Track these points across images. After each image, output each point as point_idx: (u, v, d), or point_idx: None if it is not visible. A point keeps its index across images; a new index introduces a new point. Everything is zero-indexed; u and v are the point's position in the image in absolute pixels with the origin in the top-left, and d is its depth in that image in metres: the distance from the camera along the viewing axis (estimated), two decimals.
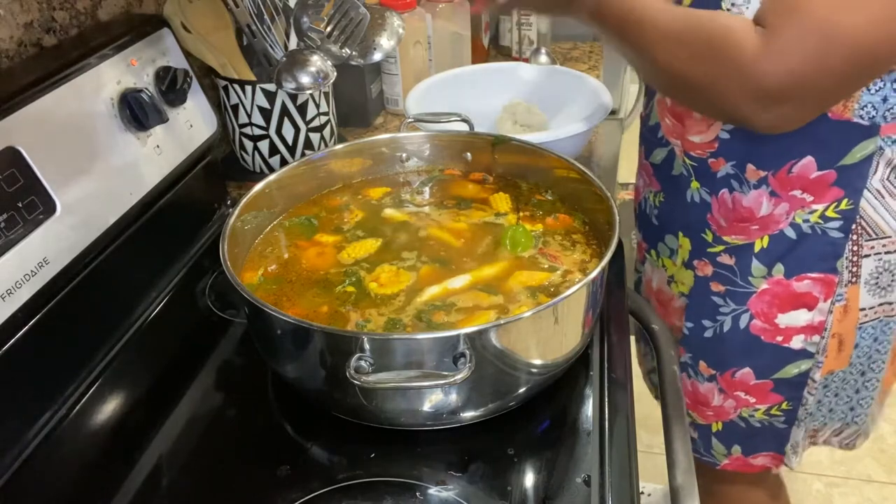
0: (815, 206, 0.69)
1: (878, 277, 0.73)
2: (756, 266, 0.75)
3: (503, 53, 1.45)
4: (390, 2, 1.09)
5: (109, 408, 0.65)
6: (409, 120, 0.85)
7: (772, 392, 0.80)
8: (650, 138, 0.82)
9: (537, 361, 0.59)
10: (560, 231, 0.73)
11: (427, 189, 0.82)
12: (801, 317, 0.75)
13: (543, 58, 1.11)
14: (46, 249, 0.61)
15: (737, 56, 0.57)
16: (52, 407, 0.64)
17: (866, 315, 0.75)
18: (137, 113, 0.72)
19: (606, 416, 0.61)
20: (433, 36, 1.19)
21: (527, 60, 1.16)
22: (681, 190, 0.78)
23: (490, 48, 1.43)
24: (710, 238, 0.77)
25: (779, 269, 0.74)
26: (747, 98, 0.59)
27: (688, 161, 0.75)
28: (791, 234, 0.72)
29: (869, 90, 0.63)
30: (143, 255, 0.76)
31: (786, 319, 0.76)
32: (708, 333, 0.81)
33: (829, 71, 0.56)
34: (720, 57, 0.58)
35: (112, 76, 0.71)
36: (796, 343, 0.77)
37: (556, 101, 1.04)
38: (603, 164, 1.04)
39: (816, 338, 0.76)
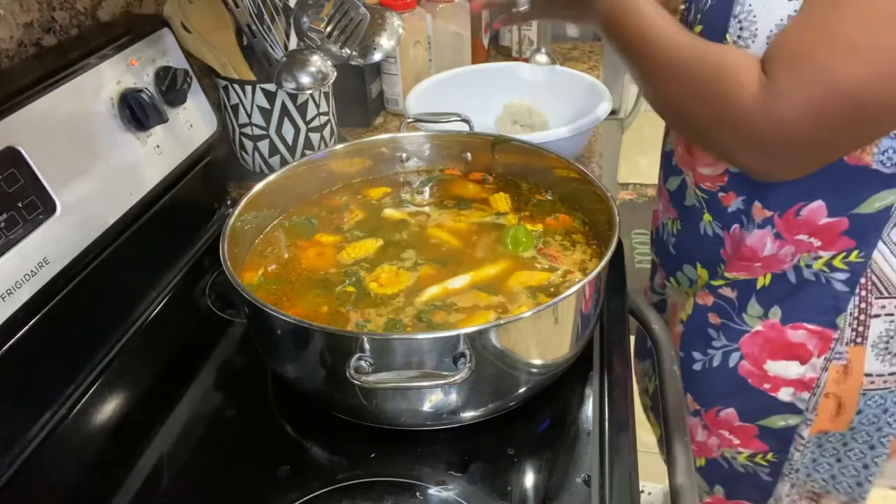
0: (821, 253, 0.65)
1: (888, 342, 0.68)
2: (753, 305, 0.71)
3: (503, 53, 1.45)
4: (390, 2, 1.09)
5: (110, 408, 0.65)
6: (409, 120, 0.85)
7: (756, 438, 0.77)
8: (666, 164, 0.80)
9: (537, 361, 0.59)
10: (560, 231, 0.73)
11: (427, 189, 0.82)
12: (791, 369, 0.71)
13: (543, 58, 1.11)
14: (46, 249, 0.61)
15: (737, 101, 0.55)
16: (52, 407, 0.64)
17: (873, 382, 0.70)
18: (137, 113, 0.72)
19: (606, 416, 0.61)
20: (433, 36, 1.19)
21: (527, 60, 1.16)
22: (694, 221, 0.74)
23: (490, 48, 1.43)
24: (720, 272, 0.73)
25: (775, 312, 0.70)
26: (745, 145, 0.56)
27: (699, 193, 0.72)
28: (792, 277, 0.68)
29: (891, 135, 0.58)
30: (143, 255, 0.76)
31: (775, 368, 0.72)
32: (697, 366, 0.79)
33: (829, 125, 0.53)
34: (721, 100, 0.56)
35: (112, 76, 0.71)
36: (784, 395, 0.73)
37: (556, 101, 1.04)
38: (603, 164, 1.04)
39: (806, 394, 0.72)
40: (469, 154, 0.82)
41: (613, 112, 1.08)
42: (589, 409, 0.62)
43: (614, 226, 0.63)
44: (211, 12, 0.89)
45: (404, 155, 0.83)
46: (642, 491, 1.45)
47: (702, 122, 0.59)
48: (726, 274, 0.72)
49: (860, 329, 0.67)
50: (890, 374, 0.69)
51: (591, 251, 0.70)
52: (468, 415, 0.58)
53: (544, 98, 1.05)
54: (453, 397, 0.56)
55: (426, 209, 0.78)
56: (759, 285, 0.70)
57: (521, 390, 0.60)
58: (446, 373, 0.50)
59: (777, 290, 0.69)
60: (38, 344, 0.62)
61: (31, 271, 0.60)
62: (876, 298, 0.66)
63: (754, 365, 0.73)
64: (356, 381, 0.49)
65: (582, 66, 1.36)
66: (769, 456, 0.78)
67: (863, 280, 0.65)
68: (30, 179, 0.61)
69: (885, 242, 0.63)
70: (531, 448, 0.59)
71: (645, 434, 0.79)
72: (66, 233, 0.64)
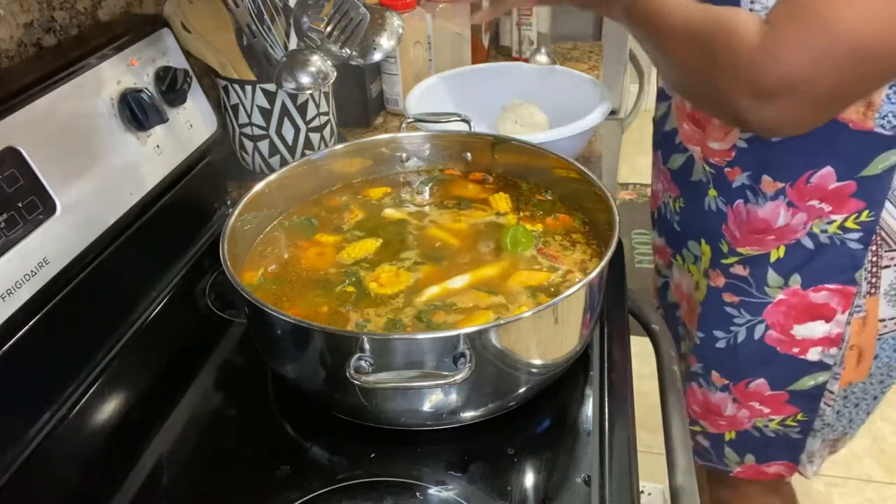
0: (833, 217, 0.68)
1: None
2: (772, 276, 0.74)
3: (503, 53, 1.45)
4: (390, 2, 1.09)
5: (110, 408, 0.65)
6: (409, 120, 0.85)
7: (787, 403, 0.80)
8: (667, 143, 0.81)
9: (537, 361, 0.59)
10: (560, 231, 0.73)
11: (427, 189, 0.82)
12: (818, 328, 0.74)
13: (543, 58, 1.11)
14: (46, 249, 0.61)
15: (736, 49, 0.55)
16: (52, 407, 0.64)
17: (886, 326, 0.74)
18: (137, 113, 0.72)
19: (606, 416, 0.61)
20: (433, 36, 1.19)
21: (527, 60, 1.16)
22: (699, 197, 0.77)
23: (490, 48, 1.43)
24: (724, 249, 0.76)
25: (795, 279, 0.73)
26: (743, 93, 0.56)
27: (707, 168, 0.75)
28: (809, 244, 0.71)
29: (890, 99, 0.61)
30: (143, 255, 0.76)
31: (802, 331, 0.75)
32: (720, 344, 0.80)
33: (830, 71, 0.53)
34: (720, 50, 0.57)
35: (112, 76, 0.71)
36: (813, 355, 0.76)
37: (556, 101, 1.04)
38: (603, 163, 1.04)
39: (834, 350, 0.75)
40: (469, 154, 0.82)
41: (613, 112, 1.08)
42: (589, 409, 0.62)
43: (614, 226, 0.63)
44: (211, 12, 0.89)
45: (404, 155, 0.83)
46: (642, 491, 1.45)
47: (703, 76, 0.60)
48: (738, 249, 0.74)
49: (873, 281, 0.71)
50: None
51: (591, 251, 0.70)
52: (468, 415, 0.58)
53: (544, 98, 1.05)
54: (453, 397, 0.56)
55: (426, 209, 0.78)
56: (772, 258, 0.73)
57: (522, 390, 0.60)
58: (446, 373, 0.50)
59: (793, 259, 0.72)
60: (38, 344, 0.62)
61: (31, 271, 0.60)
62: (886, 251, 0.69)
63: (781, 332, 0.76)
64: (356, 381, 0.49)
65: (582, 66, 1.36)
66: (799, 416, 0.81)
67: (874, 237, 0.68)
68: (30, 179, 0.61)
69: (890, 201, 0.67)
70: (531, 448, 0.59)
71: (645, 434, 0.79)
72: (66, 233, 0.64)
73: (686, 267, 0.85)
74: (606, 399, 0.63)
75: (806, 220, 0.69)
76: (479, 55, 1.33)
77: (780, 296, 0.74)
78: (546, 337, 0.58)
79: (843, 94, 0.59)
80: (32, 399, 0.62)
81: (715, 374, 0.83)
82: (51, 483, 0.58)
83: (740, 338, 0.79)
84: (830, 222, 0.69)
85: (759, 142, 0.68)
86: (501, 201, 0.77)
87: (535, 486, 0.56)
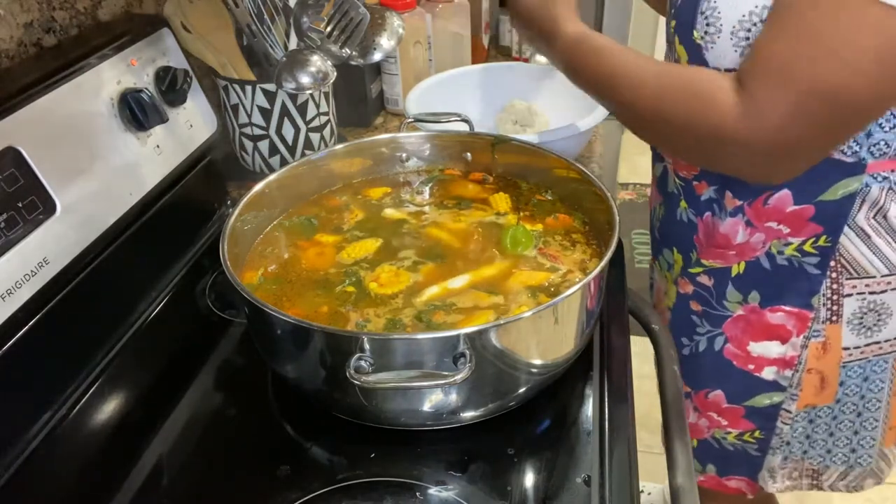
0: (791, 239, 0.68)
1: (862, 318, 0.71)
2: (731, 291, 0.74)
3: (503, 53, 1.45)
4: (390, 2, 1.09)
5: (110, 408, 0.65)
6: (409, 120, 0.85)
7: (743, 418, 0.80)
8: (653, 150, 0.83)
9: (537, 361, 0.59)
10: (560, 231, 0.73)
11: (427, 189, 0.82)
12: (773, 348, 0.75)
13: (543, 58, 1.11)
14: (46, 249, 0.61)
15: (719, 120, 0.56)
16: (52, 407, 0.64)
17: (851, 354, 0.74)
18: (137, 113, 0.72)
19: (606, 416, 0.61)
20: (433, 36, 1.19)
21: (527, 60, 1.16)
22: (673, 207, 0.78)
23: (490, 48, 1.43)
24: (693, 258, 0.77)
25: (754, 296, 0.73)
26: (736, 159, 0.58)
27: (677, 180, 0.76)
28: (766, 263, 0.71)
29: None
30: (143, 255, 0.76)
31: (758, 349, 0.75)
32: (685, 351, 0.82)
33: (814, 125, 0.54)
34: (701, 123, 0.57)
35: (112, 76, 0.71)
36: (768, 374, 0.76)
37: (555, 100, 1.04)
38: (603, 163, 1.04)
39: (789, 372, 0.75)
40: (469, 154, 0.82)
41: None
42: (589, 409, 0.62)
43: (614, 226, 0.63)
44: (211, 12, 0.89)
45: (404, 155, 0.83)
46: (642, 491, 1.45)
47: (688, 145, 0.62)
48: (702, 261, 0.76)
49: (834, 308, 0.71)
50: (866, 346, 0.73)
51: (591, 251, 0.70)
52: (468, 415, 0.58)
53: (544, 98, 1.05)
54: (453, 397, 0.56)
55: (426, 209, 0.78)
56: (733, 273, 0.74)
57: (521, 390, 0.60)
58: (446, 373, 0.50)
59: (752, 276, 0.73)
60: (38, 344, 0.62)
61: (31, 271, 0.60)
62: (846, 279, 0.69)
63: (738, 347, 0.77)
64: (356, 382, 0.49)
65: None
66: (756, 433, 0.81)
67: (832, 263, 0.68)
68: (30, 179, 0.61)
69: (850, 227, 0.66)
70: (531, 448, 0.59)
71: (645, 434, 0.79)
72: (66, 233, 0.64)
73: (662, 273, 0.87)
74: (606, 399, 0.63)
75: (765, 240, 0.70)
76: (479, 55, 1.33)
77: (739, 311, 0.75)
78: (546, 337, 0.58)
79: (834, 141, 0.59)
80: (32, 399, 0.62)
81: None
82: (51, 483, 0.58)
83: (701, 347, 0.80)
84: (788, 244, 0.69)
85: None
86: (501, 201, 0.77)
87: (535, 486, 0.56)
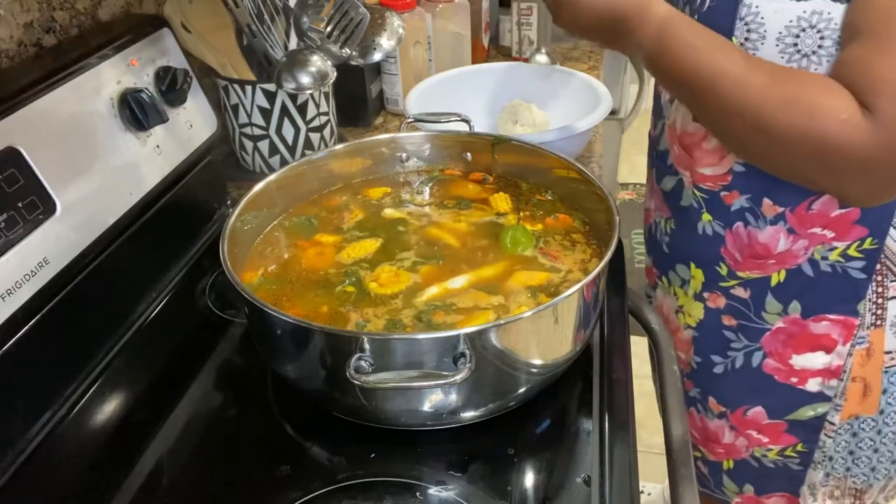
0: (835, 244, 0.66)
1: None
2: (771, 302, 0.71)
3: (503, 53, 1.45)
4: (390, 2, 1.09)
5: (110, 408, 0.65)
6: (409, 120, 0.85)
7: (786, 433, 0.77)
8: (660, 164, 0.79)
9: (537, 361, 0.59)
10: (560, 231, 0.73)
11: (427, 189, 0.82)
12: (817, 359, 0.72)
13: (543, 58, 1.11)
14: (46, 249, 0.61)
15: (846, 145, 0.54)
16: (52, 407, 0.64)
17: (893, 359, 0.71)
18: (137, 113, 0.72)
19: (606, 416, 0.61)
20: (433, 36, 1.19)
21: (527, 60, 1.16)
22: (692, 221, 0.74)
23: (490, 48, 1.43)
24: (724, 272, 0.73)
25: (795, 307, 0.70)
26: (858, 182, 0.57)
27: (698, 193, 0.72)
28: (809, 270, 0.68)
29: None
30: (144, 255, 0.76)
31: (801, 361, 0.72)
32: (718, 369, 0.78)
33: None
34: (824, 148, 0.55)
35: (112, 76, 0.71)
36: (812, 386, 0.73)
37: (556, 101, 1.04)
38: (603, 163, 1.04)
39: (834, 382, 0.72)
40: (469, 154, 0.82)
41: (613, 112, 1.08)
42: (589, 409, 0.62)
43: (614, 226, 0.63)
44: (211, 12, 0.89)
45: (404, 155, 0.83)
46: (642, 491, 1.45)
47: (793, 161, 0.58)
48: (739, 273, 0.72)
49: (879, 312, 0.68)
50: None
51: (591, 251, 0.70)
52: (468, 415, 0.58)
53: (544, 98, 1.05)
54: (453, 397, 0.56)
55: (426, 209, 0.78)
56: (773, 282, 0.70)
57: (522, 390, 0.60)
58: (446, 373, 0.50)
59: (794, 284, 0.70)
60: (38, 344, 0.62)
61: (31, 271, 0.60)
62: (891, 282, 0.67)
63: (780, 361, 0.74)
64: (356, 382, 0.49)
65: (582, 66, 1.36)
66: (799, 447, 0.78)
67: (878, 266, 0.66)
68: (30, 179, 0.61)
69: (895, 227, 0.64)
70: (531, 448, 0.59)
71: (645, 433, 0.79)
72: (66, 233, 0.64)
73: (671, 290, 0.83)
74: (606, 399, 0.63)
75: (807, 246, 0.67)
76: (479, 55, 1.33)
77: (780, 323, 0.72)
78: (546, 337, 0.58)
79: None
80: (32, 399, 0.62)
81: (712, 401, 0.80)
82: (51, 483, 0.58)
83: (738, 363, 0.76)
84: (832, 249, 0.66)
85: (756, 167, 0.66)
86: (501, 201, 0.77)
87: (536, 486, 0.56)
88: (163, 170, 0.78)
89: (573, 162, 0.73)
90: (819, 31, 0.58)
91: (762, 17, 0.59)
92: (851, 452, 0.77)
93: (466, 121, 0.82)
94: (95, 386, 0.67)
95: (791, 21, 0.57)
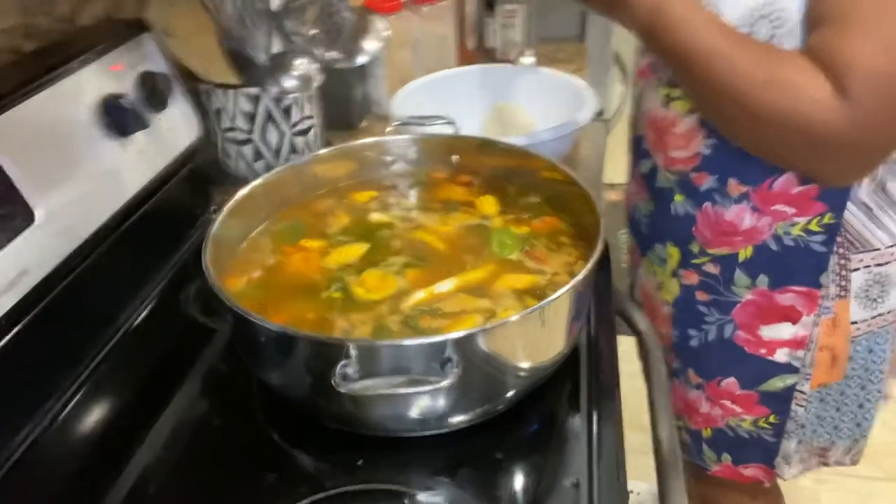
0: (796, 220, 0.69)
1: (867, 290, 0.72)
2: (740, 276, 0.74)
3: (488, 55, 1.45)
4: (375, 4, 1.08)
5: (93, 418, 0.64)
6: (395, 123, 0.84)
7: (758, 404, 0.80)
8: (637, 148, 0.82)
9: (525, 365, 0.59)
10: (546, 233, 0.73)
11: (413, 192, 0.81)
12: (784, 330, 0.75)
13: (529, 59, 1.11)
14: (26, 259, 0.60)
15: (818, 124, 0.56)
16: (34, 418, 0.63)
17: (859, 328, 0.75)
18: (119, 119, 0.71)
19: (595, 418, 0.61)
20: (418, 38, 1.19)
21: (512, 62, 1.16)
22: (666, 202, 0.78)
23: (475, 50, 1.43)
24: (696, 249, 0.77)
25: (762, 280, 0.74)
26: (832, 161, 0.60)
27: (670, 175, 0.76)
28: (773, 245, 0.71)
29: None
30: (126, 263, 0.75)
31: (769, 332, 0.76)
32: (693, 342, 0.82)
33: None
34: (798, 126, 0.57)
35: (92, 82, 0.70)
36: (780, 356, 0.77)
37: (541, 102, 1.04)
38: (589, 165, 1.04)
39: (801, 352, 0.76)
40: (455, 157, 0.82)
41: (599, 113, 1.08)
42: (577, 411, 0.62)
43: (599, 228, 0.63)
44: (193, 16, 0.88)
45: (390, 158, 0.83)
46: (631, 491, 1.45)
47: (781, 147, 0.61)
48: (708, 250, 0.75)
49: (843, 283, 0.72)
50: (872, 318, 0.74)
51: (577, 253, 0.70)
52: (456, 420, 0.58)
53: (530, 100, 1.05)
54: (441, 403, 0.56)
55: (412, 213, 0.78)
56: (741, 258, 0.74)
57: (509, 394, 0.60)
58: (433, 378, 0.50)
59: (760, 259, 0.73)
60: (20, 355, 0.61)
61: (11, 282, 0.59)
62: (853, 254, 0.70)
63: (749, 332, 0.77)
64: (342, 389, 0.49)
65: (567, 67, 1.36)
66: (771, 418, 0.81)
67: (839, 239, 0.69)
68: (6, 188, 0.60)
69: (853, 202, 0.68)
70: (520, 452, 0.58)
71: (632, 433, 0.79)
72: (45, 242, 0.63)
73: (652, 269, 0.86)
74: (594, 401, 0.63)
75: (771, 223, 0.70)
76: (464, 57, 1.33)
77: (748, 296, 0.75)
78: (533, 340, 0.58)
79: None
80: (14, 410, 0.61)
81: (691, 372, 0.84)
82: (34, 494, 0.57)
83: (711, 336, 0.80)
84: (793, 224, 0.69)
85: (722, 148, 0.69)
86: (488, 204, 0.77)
87: (524, 491, 0.56)
88: (145, 176, 0.77)
89: (559, 164, 0.73)
90: (771, 21, 0.60)
91: (719, 9, 0.61)
92: (818, 416, 0.81)
93: (452, 123, 0.82)
94: (79, 395, 0.66)
95: (745, 12, 0.60)
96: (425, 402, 0.55)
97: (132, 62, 0.76)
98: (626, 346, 0.76)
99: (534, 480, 0.56)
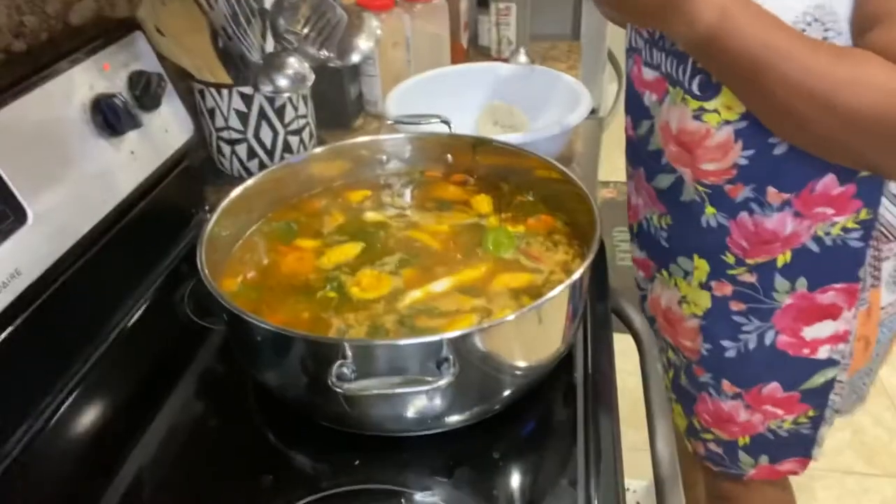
0: (836, 219, 0.69)
1: (893, 274, 0.74)
2: (779, 281, 0.74)
3: (482, 53, 1.45)
4: (368, 2, 1.08)
5: (87, 420, 0.64)
6: (389, 122, 0.84)
7: (799, 402, 0.81)
8: (651, 163, 0.79)
9: (521, 364, 0.59)
10: (542, 232, 0.73)
11: (408, 191, 0.81)
12: (826, 328, 0.75)
13: (522, 58, 1.11)
14: (18, 260, 0.60)
15: None
16: (27, 420, 0.62)
17: (886, 312, 0.76)
18: (111, 118, 0.71)
19: (591, 416, 0.61)
20: (412, 37, 1.19)
21: (506, 60, 1.16)
22: (693, 215, 0.76)
23: (469, 48, 1.43)
24: (731, 260, 0.75)
25: (802, 282, 0.73)
26: None
27: (700, 188, 0.73)
28: (814, 247, 0.71)
29: None
30: (120, 263, 0.75)
31: (812, 332, 0.76)
32: (730, 353, 0.81)
33: None
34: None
35: (84, 81, 0.70)
36: (822, 353, 0.77)
37: (535, 100, 1.04)
38: (583, 163, 1.04)
39: (842, 346, 0.76)
40: (450, 156, 0.82)
41: (593, 111, 1.08)
42: (574, 409, 0.62)
43: (596, 226, 0.63)
44: (185, 15, 0.87)
45: (384, 157, 0.82)
46: (627, 489, 1.46)
47: (860, 143, 0.59)
48: (747, 260, 0.75)
49: (876, 274, 0.72)
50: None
51: (573, 251, 0.69)
52: (453, 419, 0.58)
53: (524, 98, 1.05)
54: (437, 402, 0.55)
55: (407, 212, 0.77)
56: (779, 263, 0.73)
57: (506, 393, 0.60)
58: (430, 378, 0.50)
59: (799, 262, 0.72)
60: (13, 356, 0.60)
61: (3, 283, 0.58)
62: (885, 244, 0.71)
63: (792, 335, 0.77)
64: (338, 389, 0.49)
65: (561, 65, 1.37)
66: (810, 412, 0.82)
67: (874, 232, 0.70)
68: (0, 188, 0.59)
69: (886, 196, 0.68)
70: (517, 451, 0.58)
71: (628, 431, 0.79)
72: (38, 242, 0.62)
73: (672, 281, 0.84)
74: (591, 400, 0.63)
75: (810, 225, 0.70)
76: (457, 56, 1.33)
77: (788, 300, 0.75)
78: (530, 339, 0.58)
79: None
80: (7, 412, 0.61)
81: (726, 383, 0.83)
82: (27, 498, 0.57)
83: (751, 345, 0.79)
84: (833, 224, 0.69)
85: (761, 158, 0.68)
86: (483, 203, 0.77)
87: (522, 490, 0.56)
88: (138, 176, 0.76)
89: (554, 162, 0.73)
90: (823, 24, 0.59)
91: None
92: (845, 397, 0.82)
93: (447, 122, 0.82)
94: (73, 397, 0.65)
95: (797, 17, 0.58)
96: (422, 401, 0.55)
97: (124, 61, 0.76)
98: (623, 345, 0.75)
99: (531, 479, 0.56)
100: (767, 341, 0.78)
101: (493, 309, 0.62)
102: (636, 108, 0.80)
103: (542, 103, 1.03)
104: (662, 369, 0.73)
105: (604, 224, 0.63)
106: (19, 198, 0.61)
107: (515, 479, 0.56)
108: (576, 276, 0.57)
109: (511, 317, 0.54)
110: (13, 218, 0.60)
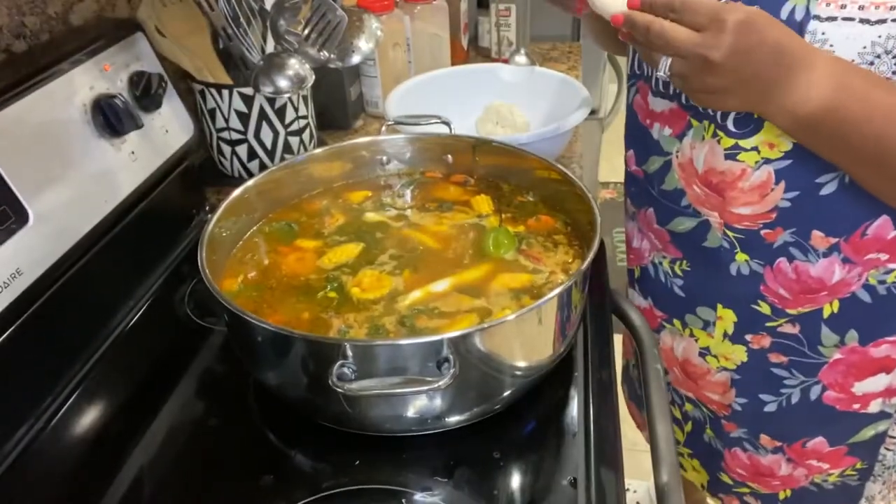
0: (891, 266, 0.63)
1: None
2: (826, 334, 0.68)
3: (482, 54, 1.45)
4: (368, 4, 1.08)
5: (88, 420, 0.64)
6: (390, 122, 0.84)
7: (846, 456, 0.76)
8: (666, 205, 0.73)
9: (522, 364, 0.59)
10: (542, 232, 0.73)
11: (408, 192, 0.81)
12: (880, 382, 0.70)
13: (523, 59, 1.11)
14: (19, 260, 0.60)
15: None
16: (29, 420, 0.62)
17: None
18: (111, 119, 0.71)
19: (591, 416, 0.61)
20: (412, 38, 1.19)
21: (506, 61, 1.16)
22: (721, 262, 0.70)
23: (469, 49, 1.43)
24: (766, 311, 0.70)
25: (852, 335, 0.68)
26: None
27: (730, 233, 0.67)
28: (865, 297, 0.66)
29: None
30: (120, 263, 0.75)
31: (863, 387, 0.71)
32: (770, 407, 0.76)
33: None
34: None
35: (85, 82, 0.70)
36: (874, 407, 0.72)
37: (535, 101, 1.04)
38: (584, 163, 1.04)
39: (895, 399, 0.72)
40: (450, 156, 0.82)
41: (593, 112, 1.08)
42: (574, 410, 0.62)
43: (596, 226, 0.63)
44: (186, 15, 0.87)
45: (385, 158, 0.83)
46: (628, 489, 1.46)
47: None
48: (788, 311, 0.69)
49: None
50: None
51: (573, 252, 0.70)
52: (453, 419, 0.58)
53: (524, 99, 1.05)
54: (438, 402, 0.55)
55: (407, 212, 0.77)
56: (825, 314, 0.68)
57: (506, 393, 0.60)
58: (430, 378, 0.50)
59: (849, 313, 0.67)
60: (14, 356, 0.60)
61: (4, 283, 0.58)
62: None
63: (841, 391, 0.72)
64: (339, 389, 0.49)
65: (561, 66, 1.37)
66: (858, 465, 0.77)
67: None
68: (1, 189, 0.59)
69: None
70: (517, 451, 0.58)
71: (628, 431, 0.79)
72: (39, 243, 0.62)
73: (688, 332, 0.79)
74: (591, 399, 0.63)
75: (861, 272, 0.64)
76: (458, 56, 1.33)
77: (837, 355, 0.69)
78: (530, 339, 0.58)
79: None
80: (8, 412, 0.61)
81: (765, 438, 0.79)
82: (28, 498, 0.57)
83: (794, 399, 0.74)
84: (889, 271, 0.64)
85: (807, 198, 0.62)
86: (483, 203, 0.77)
87: (522, 490, 0.56)
88: (138, 176, 0.76)
89: (554, 163, 0.73)
90: (895, 57, 0.53)
91: (831, 45, 0.54)
92: None
93: (447, 123, 0.82)
94: (74, 397, 0.65)
95: (865, 47, 0.53)
96: (422, 401, 0.55)
97: (125, 62, 0.76)
98: (621, 345, 0.76)
99: (531, 479, 0.56)
100: (813, 396, 0.73)
101: (493, 309, 0.62)
102: (641, 142, 0.74)
103: (543, 104, 1.03)
104: (663, 370, 0.72)
105: (604, 224, 0.63)
106: (20, 198, 0.61)
107: (516, 479, 0.56)
108: (576, 276, 0.58)
109: (511, 317, 0.54)
110: (14, 218, 0.60)
